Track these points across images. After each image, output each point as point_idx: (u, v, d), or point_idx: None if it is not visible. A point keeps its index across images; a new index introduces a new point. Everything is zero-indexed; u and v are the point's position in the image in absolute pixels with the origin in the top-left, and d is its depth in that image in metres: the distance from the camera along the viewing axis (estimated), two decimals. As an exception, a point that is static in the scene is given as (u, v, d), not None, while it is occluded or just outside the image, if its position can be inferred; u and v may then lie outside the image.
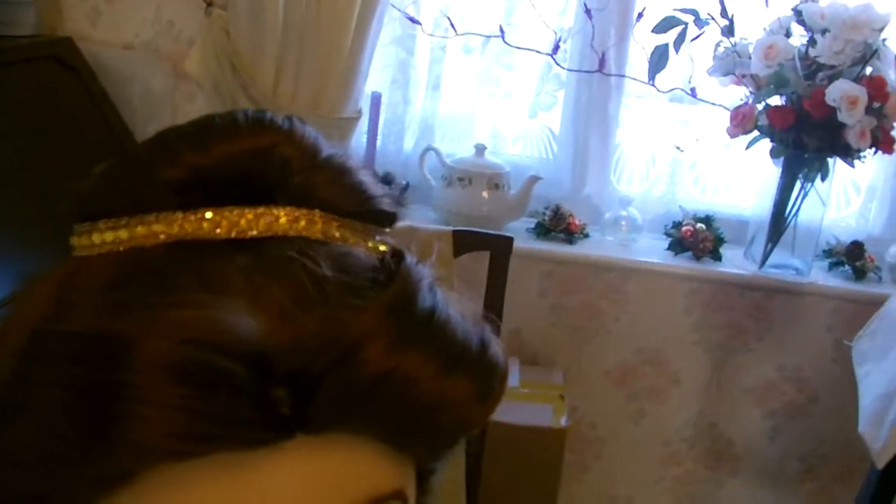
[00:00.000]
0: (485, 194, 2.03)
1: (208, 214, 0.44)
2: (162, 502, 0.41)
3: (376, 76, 2.07)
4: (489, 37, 2.05)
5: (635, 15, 1.99)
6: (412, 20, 2.04)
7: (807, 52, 1.84)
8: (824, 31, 1.81)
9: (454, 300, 0.46)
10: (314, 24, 1.83)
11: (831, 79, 1.81)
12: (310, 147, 0.47)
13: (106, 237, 0.44)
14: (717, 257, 2.04)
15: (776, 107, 1.87)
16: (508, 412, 1.85)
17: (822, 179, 1.92)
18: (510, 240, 1.56)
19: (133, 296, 0.41)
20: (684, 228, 2.05)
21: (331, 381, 0.40)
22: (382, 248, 0.49)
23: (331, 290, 0.42)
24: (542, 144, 2.16)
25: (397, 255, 0.47)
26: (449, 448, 0.49)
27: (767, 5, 1.93)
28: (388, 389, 0.41)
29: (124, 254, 0.44)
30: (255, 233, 0.44)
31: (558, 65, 2.05)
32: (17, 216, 1.53)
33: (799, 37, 1.88)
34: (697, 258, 2.03)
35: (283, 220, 0.45)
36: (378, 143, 2.15)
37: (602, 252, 2.04)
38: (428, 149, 2.10)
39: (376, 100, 2.08)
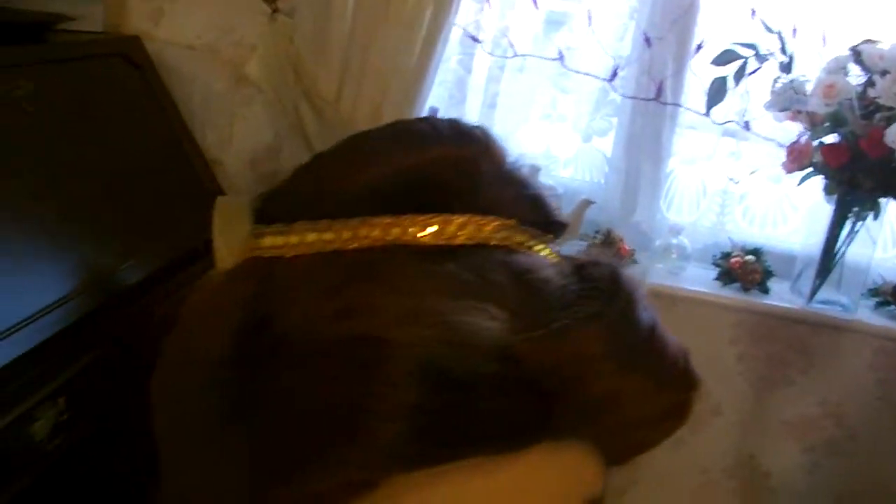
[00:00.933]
0: (537, 215, 2.03)
1: (420, 220, 0.44)
2: None
3: (433, 91, 2.07)
4: (548, 59, 2.07)
5: (694, 46, 2.01)
6: (473, 38, 2.05)
7: (864, 91, 1.86)
8: (884, 73, 1.84)
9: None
10: (381, 37, 1.84)
11: (889, 120, 1.83)
12: (502, 160, 0.48)
13: (307, 238, 0.44)
14: (764, 290, 2.04)
15: (831, 145, 1.89)
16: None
17: (875, 218, 1.93)
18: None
19: (367, 298, 0.41)
20: (733, 259, 2.06)
21: (569, 391, 0.41)
22: (574, 259, 0.49)
23: (554, 289, 0.43)
24: (594, 169, 2.17)
25: (610, 266, 0.47)
26: (633, 458, 0.50)
27: (825, 44, 1.95)
28: (614, 404, 0.42)
29: (329, 255, 0.43)
30: (461, 240, 0.44)
31: (615, 91, 2.06)
32: (81, 207, 1.52)
33: (855, 76, 1.90)
34: (745, 290, 2.04)
35: (488, 228, 0.45)
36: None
37: (652, 279, 2.04)
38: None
39: (433, 114, 2.09)
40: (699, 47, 2.01)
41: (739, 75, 1.95)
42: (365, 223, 0.43)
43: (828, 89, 1.82)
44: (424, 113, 2.00)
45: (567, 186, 2.13)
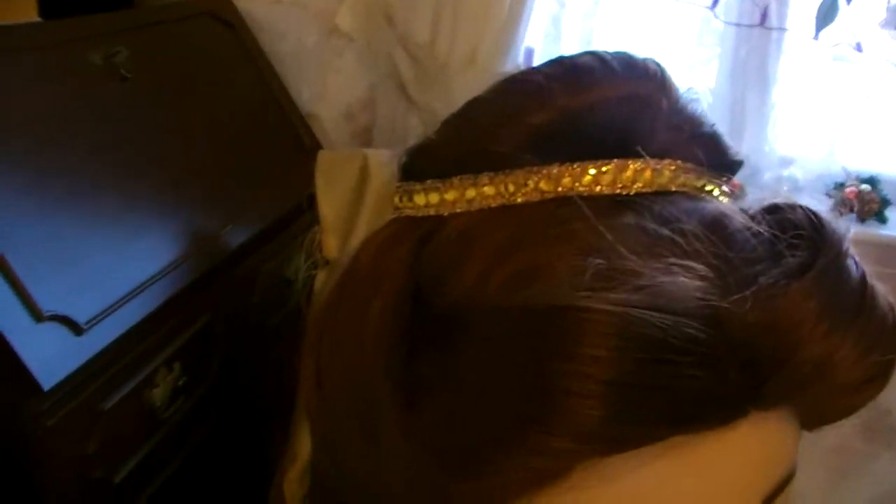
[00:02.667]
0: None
1: (593, 168, 0.40)
2: (596, 494, 0.37)
3: (529, 29, 2.01)
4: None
5: (802, -35, 1.90)
6: (568, -32, 1.98)
7: None
8: None
9: None
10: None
11: None
12: (676, 97, 0.44)
13: (468, 194, 0.40)
14: (882, 220, 1.95)
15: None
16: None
17: None
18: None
19: (547, 260, 0.37)
20: (847, 189, 1.96)
21: (781, 358, 0.37)
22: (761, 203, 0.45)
23: (749, 239, 0.39)
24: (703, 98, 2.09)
25: (808, 212, 0.42)
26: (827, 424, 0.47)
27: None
28: (824, 371, 0.38)
29: (493, 212, 0.40)
30: (638, 187, 0.40)
31: (717, 18, 1.97)
32: (182, 171, 1.52)
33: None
34: (861, 220, 1.95)
35: (667, 173, 0.41)
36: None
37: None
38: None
39: (529, 56, 2.03)
40: (807, -34, 1.89)
41: (851, -6, 1.84)
42: (531, 174, 0.40)
43: (951, 3, 1.70)
44: (521, 53, 1.94)
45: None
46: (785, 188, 1.98)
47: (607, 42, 2.05)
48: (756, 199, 0.44)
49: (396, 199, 0.43)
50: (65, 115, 1.37)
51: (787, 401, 0.39)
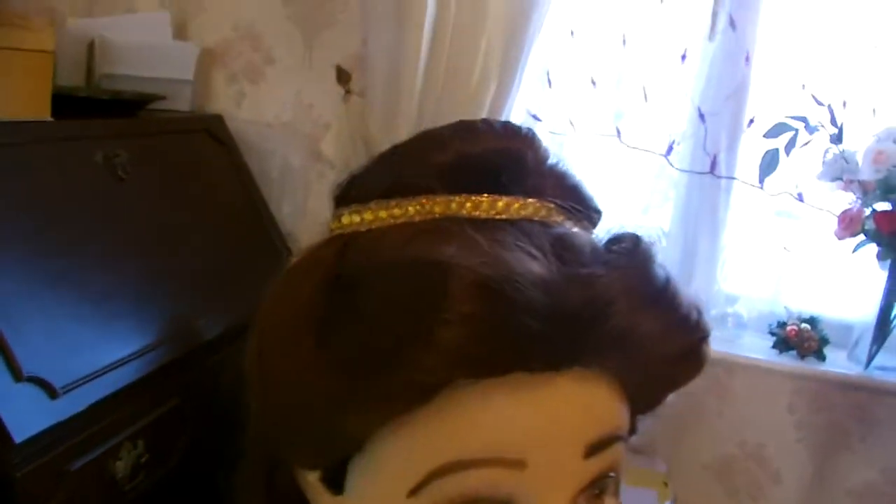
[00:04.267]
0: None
1: (474, 197, 0.53)
2: (457, 417, 0.48)
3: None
4: (606, 136, 2.16)
5: (747, 120, 2.09)
6: (534, 117, 2.16)
7: (916, 160, 1.91)
8: (934, 141, 1.89)
9: None
10: (447, 115, 1.96)
11: (940, 187, 1.88)
12: (545, 153, 0.57)
13: (380, 214, 0.53)
14: (821, 358, 2.07)
15: (883, 211, 1.93)
16: (613, 495, 1.88)
17: (930, 284, 1.96)
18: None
19: (433, 241, 0.50)
20: (789, 328, 2.09)
21: (595, 325, 0.48)
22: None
23: (586, 249, 0.51)
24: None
25: (634, 235, 0.55)
26: (654, 404, 0.57)
27: (875, 115, 2.01)
28: (631, 340, 0.49)
29: (399, 225, 0.52)
30: (507, 215, 0.53)
31: (672, 165, 2.14)
32: (165, 265, 1.65)
33: (907, 147, 1.95)
34: (801, 357, 2.06)
35: (531, 207, 0.54)
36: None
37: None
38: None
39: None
40: (751, 121, 2.08)
41: (790, 146, 2.02)
42: (429, 200, 0.52)
43: (878, 156, 1.88)
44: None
45: (625, 257, 2.19)
46: (730, 324, 2.11)
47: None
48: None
49: (330, 223, 0.56)
50: (65, 204, 1.50)
51: (604, 362, 0.50)
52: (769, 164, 2.05)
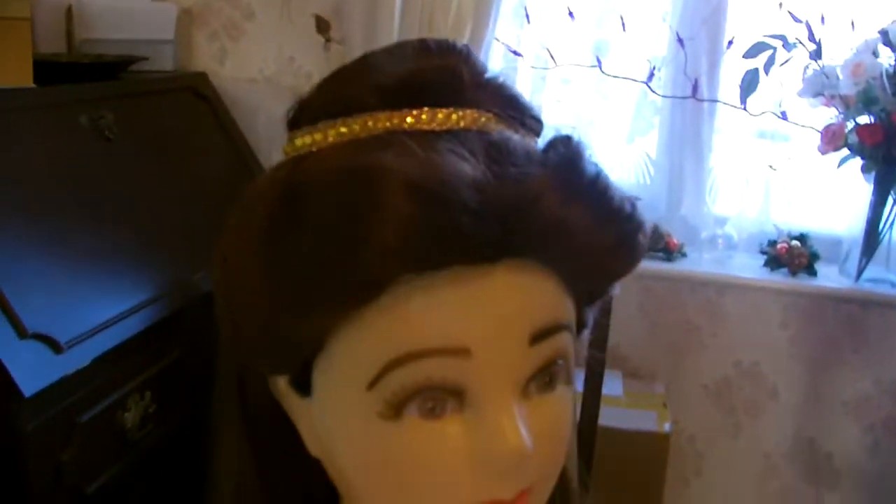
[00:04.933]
0: (585, 216, 2.14)
1: (414, 111, 0.56)
2: (404, 311, 0.51)
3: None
4: (587, 67, 2.18)
5: (725, 42, 2.10)
6: (515, 53, 2.17)
7: (894, 70, 1.92)
8: (913, 51, 1.90)
9: None
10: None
11: (920, 95, 1.89)
12: (481, 67, 0.59)
13: (328, 134, 0.56)
14: (812, 273, 2.10)
15: (866, 124, 1.95)
16: (613, 418, 1.92)
17: (916, 193, 1.98)
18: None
19: (374, 152, 0.52)
20: (779, 245, 2.12)
21: (527, 218, 0.51)
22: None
23: (520, 152, 0.53)
24: (640, 169, 2.26)
25: (565, 136, 0.58)
26: (596, 295, 0.60)
27: (854, 28, 2.02)
28: (562, 230, 0.52)
29: (346, 143, 0.55)
30: (448, 125, 0.56)
31: (653, 91, 2.16)
32: (160, 222, 1.68)
33: (886, 58, 1.96)
34: (793, 274, 2.10)
35: (469, 117, 0.56)
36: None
37: (699, 269, 2.12)
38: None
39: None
40: (730, 43, 2.10)
41: (769, 65, 2.03)
42: (371, 117, 0.55)
43: (856, 68, 1.90)
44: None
45: (614, 187, 2.21)
46: (721, 245, 2.14)
47: (554, 117, 2.24)
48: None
49: (285, 147, 0.59)
50: (55, 169, 1.53)
51: (538, 252, 0.52)
52: (749, 84, 2.07)
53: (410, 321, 0.51)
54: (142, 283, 1.56)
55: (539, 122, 0.62)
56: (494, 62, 2.18)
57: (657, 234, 2.14)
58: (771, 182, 2.18)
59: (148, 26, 1.97)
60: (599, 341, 1.66)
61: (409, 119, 0.55)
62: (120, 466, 1.44)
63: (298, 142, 0.57)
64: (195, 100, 1.98)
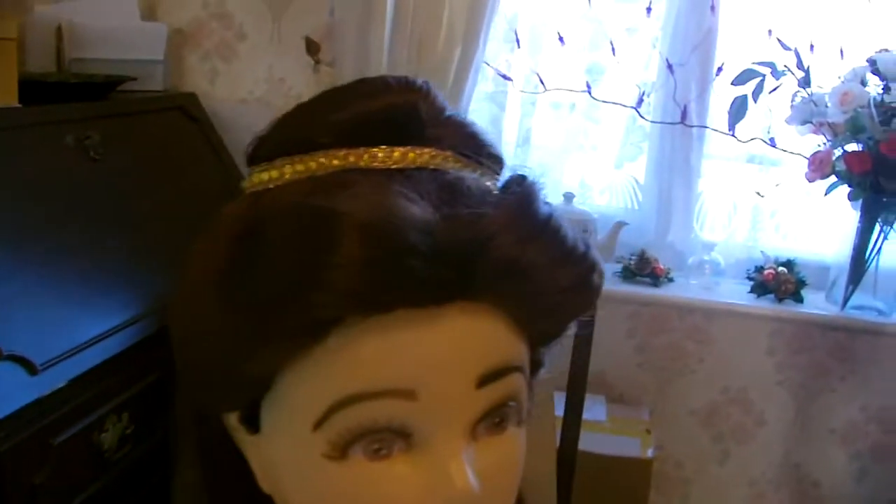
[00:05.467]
0: (573, 239, 2.14)
1: (371, 150, 0.56)
2: (350, 352, 0.51)
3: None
4: (577, 92, 2.18)
5: (715, 69, 2.10)
6: (504, 77, 2.18)
7: (882, 99, 1.92)
8: (900, 79, 1.90)
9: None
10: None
11: (908, 124, 1.89)
12: (440, 104, 0.59)
13: (285, 171, 0.56)
14: (798, 300, 2.09)
15: (853, 152, 1.95)
16: (597, 443, 1.92)
17: (902, 222, 1.98)
18: (601, 267, 1.65)
19: (328, 192, 0.53)
20: (766, 272, 2.12)
21: (478, 260, 0.51)
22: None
23: (474, 192, 0.54)
24: (628, 194, 2.27)
25: (519, 175, 0.58)
26: (553, 336, 0.59)
27: (843, 56, 2.03)
28: (515, 272, 0.52)
29: (302, 180, 0.55)
30: (405, 164, 0.56)
31: (642, 117, 2.17)
32: (145, 241, 1.68)
33: (874, 86, 1.96)
34: (779, 300, 2.09)
35: (426, 156, 0.56)
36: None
37: (686, 294, 2.12)
38: (518, 198, 2.22)
39: (470, 151, 2.22)
40: (720, 70, 2.10)
41: (758, 92, 2.04)
42: (328, 155, 0.55)
43: (844, 97, 1.90)
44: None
45: (603, 213, 2.22)
46: (707, 271, 2.14)
47: (543, 141, 2.24)
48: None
49: (244, 182, 0.59)
50: (40, 187, 1.54)
51: (489, 294, 0.53)
52: (738, 110, 2.07)
53: (357, 363, 0.51)
54: (125, 302, 1.56)
55: (500, 160, 0.62)
56: (484, 86, 2.20)
57: (645, 259, 2.14)
58: (759, 208, 2.18)
59: (138, 46, 1.98)
60: (580, 366, 1.66)
61: (365, 157, 0.55)
62: (98, 487, 1.44)
63: (256, 178, 0.57)
64: (184, 120, 1.99)
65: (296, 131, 0.57)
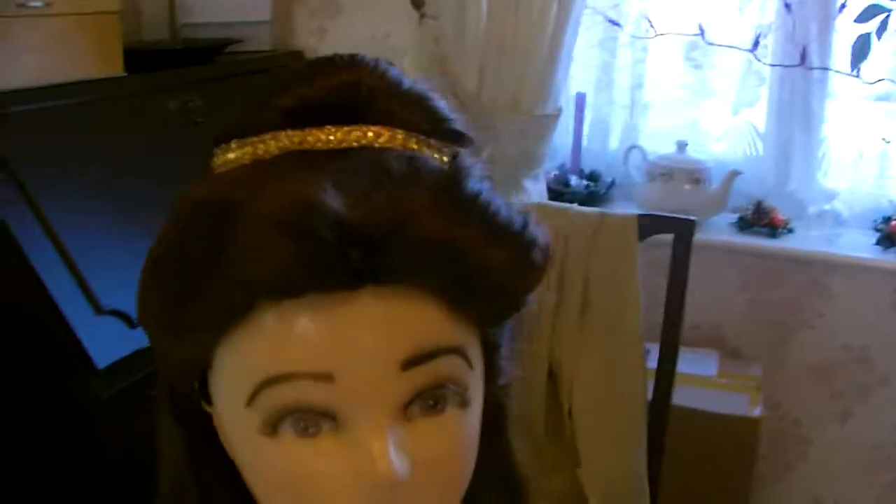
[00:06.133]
0: (686, 188, 2.08)
1: (313, 131, 0.56)
2: (268, 335, 0.52)
3: (582, 78, 2.18)
4: (689, 36, 2.10)
5: (837, 6, 1.97)
6: (613, 23, 2.12)
7: None
8: None
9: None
10: (513, 31, 1.96)
11: None
12: (391, 80, 0.58)
13: (236, 154, 0.57)
14: (930, 252, 1.96)
15: None
16: (702, 399, 1.87)
17: None
18: (692, 222, 1.59)
19: (249, 178, 0.54)
20: (893, 223, 1.98)
21: (393, 243, 0.50)
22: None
23: (399, 177, 0.53)
24: (747, 141, 2.17)
25: (454, 154, 0.57)
26: (499, 315, 0.58)
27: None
28: (439, 253, 0.51)
29: (250, 163, 0.57)
30: (346, 144, 0.56)
31: (759, 60, 2.06)
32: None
33: None
34: (909, 253, 1.96)
35: (370, 134, 0.56)
36: (585, 142, 2.25)
37: (805, 246, 2.02)
38: (632, 147, 2.17)
39: (580, 100, 2.18)
40: (843, 6, 1.96)
41: (882, 30, 1.89)
42: (275, 137, 0.56)
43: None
44: (566, 98, 2.09)
45: (720, 161, 2.13)
46: (829, 220, 2.03)
47: (656, 88, 2.17)
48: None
49: (211, 164, 0.61)
50: (141, 151, 1.62)
51: (410, 277, 0.51)
52: (861, 49, 1.93)
53: (276, 345, 0.52)
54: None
55: (458, 134, 0.61)
56: (592, 33, 2.14)
57: (762, 210, 2.05)
58: (887, 154, 2.04)
59: (246, 8, 2.04)
60: (673, 317, 1.61)
61: (309, 139, 0.56)
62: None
63: (217, 160, 0.59)
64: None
65: (251, 113, 0.59)
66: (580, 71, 2.19)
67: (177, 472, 0.65)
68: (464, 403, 0.56)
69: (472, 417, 0.57)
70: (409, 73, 1.69)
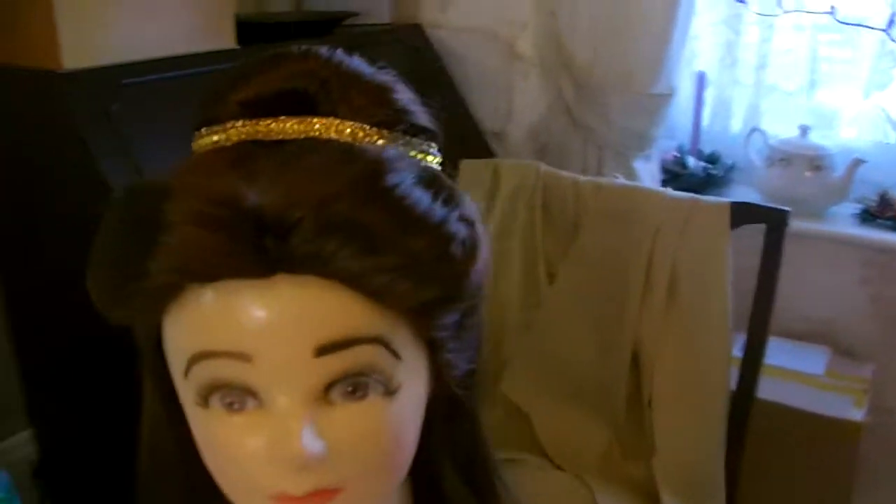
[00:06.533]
0: (806, 175, 1.98)
1: (266, 122, 0.59)
2: (196, 315, 0.56)
3: (706, 56, 2.10)
4: (819, 13, 1.98)
5: None
6: (739, 1, 2.03)
7: None
8: None
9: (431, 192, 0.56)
10: (627, 6, 1.91)
11: None
12: (347, 71, 0.60)
13: (204, 141, 0.61)
14: None
15: None
16: (802, 398, 1.80)
17: None
18: (785, 213, 1.52)
19: (188, 167, 0.57)
20: None
21: (302, 228, 0.52)
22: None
23: (325, 168, 0.55)
24: (877, 126, 2.04)
25: (380, 147, 0.58)
26: (426, 308, 0.57)
27: None
28: (351, 240, 0.52)
29: (210, 151, 0.60)
30: (295, 135, 0.58)
31: (893, 40, 1.92)
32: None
33: None
34: None
35: (317, 125, 0.58)
36: (705, 122, 2.18)
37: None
38: (754, 130, 2.09)
39: (700, 79, 2.11)
40: None
41: None
42: (233, 127, 0.60)
43: None
44: (684, 77, 2.03)
45: (847, 147, 2.02)
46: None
47: (781, 68, 2.07)
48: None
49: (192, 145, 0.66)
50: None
51: (311, 264, 0.53)
52: None
53: (201, 325, 0.56)
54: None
55: (419, 126, 0.62)
56: (716, 11, 2.06)
57: (886, 201, 1.93)
58: None
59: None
60: (763, 305, 1.55)
61: (259, 129, 0.59)
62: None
63: (193, 144, 0.64)
64: (407, 51, 2.07)
65: (217, 102, 0.62)
66: (704, 49, 2.12)
67: (154, 425, 0.70)
68: (388, 392, 0.58)
69: (399, 406, 0.59)
70: (528, 46, 1.68)
